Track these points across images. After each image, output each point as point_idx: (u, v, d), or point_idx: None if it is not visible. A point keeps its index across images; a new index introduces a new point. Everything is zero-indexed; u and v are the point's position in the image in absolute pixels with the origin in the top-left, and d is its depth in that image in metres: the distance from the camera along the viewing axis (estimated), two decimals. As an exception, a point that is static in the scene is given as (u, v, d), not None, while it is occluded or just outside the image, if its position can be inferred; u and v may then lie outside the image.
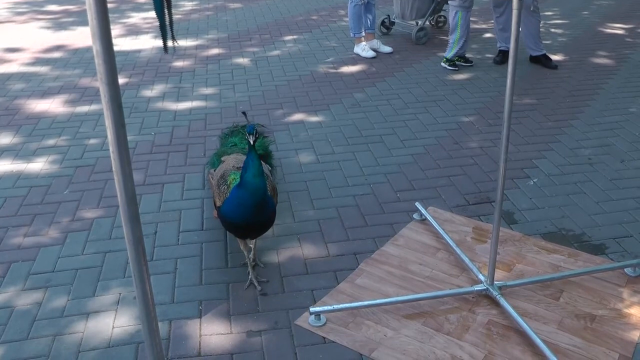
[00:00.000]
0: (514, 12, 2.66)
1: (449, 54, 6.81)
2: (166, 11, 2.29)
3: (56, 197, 4.28)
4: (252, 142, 3.08)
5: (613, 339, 3.01)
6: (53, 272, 3.52)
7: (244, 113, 3.72)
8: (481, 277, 3.30)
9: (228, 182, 3.28)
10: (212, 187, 3.50)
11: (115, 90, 1.50)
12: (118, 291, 3.36)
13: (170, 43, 2.47)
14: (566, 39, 8.07)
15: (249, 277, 3.41)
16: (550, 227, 3.94)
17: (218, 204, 3.31)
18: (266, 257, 3.63)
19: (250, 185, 3.06)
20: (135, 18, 9.30)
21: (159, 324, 3.09)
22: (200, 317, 3.18)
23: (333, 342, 3.00)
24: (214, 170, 3.68)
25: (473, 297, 3.27)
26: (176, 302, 3.29)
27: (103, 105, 1.51)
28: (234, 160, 3.52)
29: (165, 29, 2.30)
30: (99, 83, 1.48)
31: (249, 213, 3.12)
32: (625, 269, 3.48)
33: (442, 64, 6.90)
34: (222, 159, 3.71)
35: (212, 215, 3.95)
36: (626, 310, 3.20)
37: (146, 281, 1.78)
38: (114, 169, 1.59)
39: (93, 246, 3.75)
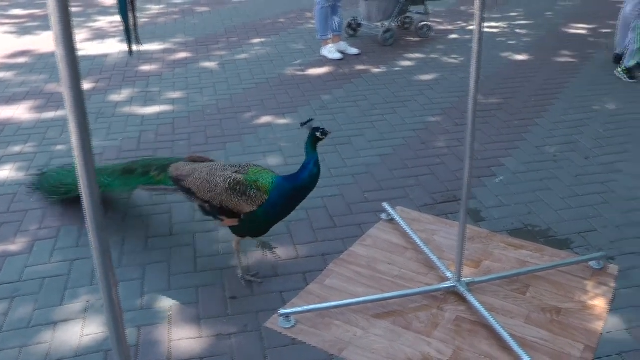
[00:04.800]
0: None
1: (630, 62, 6.60)
2: (131, 14, 2.30)
3: (22, 205, 4.23)
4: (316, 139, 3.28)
5: (578, 331, 3.06)
6: (19, 281, 3.48)
7: (306, 123, 3.38)
8: (449, 275, 3.34)
9: (259, 185, 3.21)
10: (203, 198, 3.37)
11: (79, 95, 1.49)
12: (86, 299, 3.33)
13: (135, 47, 2.47)
14: (531, 39, 8.16)
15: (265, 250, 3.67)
16: (516, 224, 3.99)
17: (250, 209, 3.22)
18: (235, 259, 3.62)
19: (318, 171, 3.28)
20: (102, 22, 9.23)
21: (128, 330, 3.08)
22: (169, 322, 3.17)
23: (303, 342, 3.01)
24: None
25: (441, 295, 3.30)
26: (145, 308, 3.27)
27: (67, 110, 1.50)
28: (217, 171, 3.36)
29: (129, 32, 2.30)
30: (63, 87, 1.47)
31: (314, 184, 3.29)
32: (590, 263, 3.54)
33: (620, 73, 6.70)
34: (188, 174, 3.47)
35: (218, 225, 3.72)
36: (591, 303, 3.25)
37: (113, 288, 1.77)
38: (79, 174, 1.58)
39: (60, 254, 3.71)
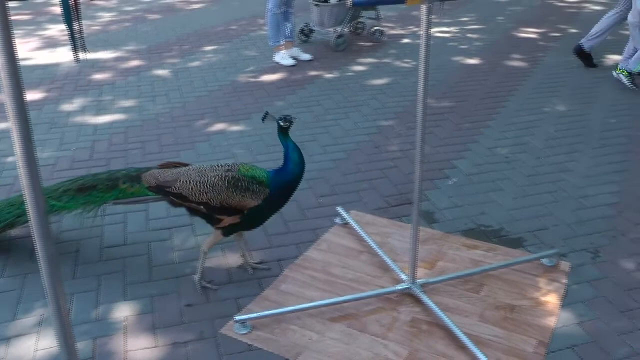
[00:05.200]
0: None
1: (636, 67, 6.49)
2: (75, 21, 2.27)
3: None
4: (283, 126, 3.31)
5: (531, 327, 3.10)
6: (-31, 297, 3.40)
7: (264, 117, 3.43)
8: (403, 277, 3.35)
9: (258, 180, 3.27)
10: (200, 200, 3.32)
11: (20, 104, 1.47)
12: (40, 312, 3.26)
13: (81, 54, 2.44)
14: (482, 44, 8.28)
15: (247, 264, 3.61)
16: (469, 224, 4.03)
17: (254, 203, 3.26)
18: (189, 267, 3.60)
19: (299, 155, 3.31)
20: (53, 30, 9.12)
21: (84, 342, 3.04)
22: (125, 332, 3.12)
23: (259, 348, 2.99)
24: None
25: (396, 297, 3.31)
26: (100, 319, 3.21)
27: (9, 120, 1.47)
28: (208, 172, 3.35)
29: (75, 39, 2.27)
30: (5, 97, 1.44)
31: (302, 170, 3.33)
32: (542, 260, 3.60)
33: (619, 74, 6.62)
34: (175, 177, 3.40)
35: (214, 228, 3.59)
36: (543, 299, 3.30)
37: (60, 299, 1.74)
38: (23, 185, 1.56)
39: (12, 269, 3.63)
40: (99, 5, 10.82)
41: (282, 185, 3.31)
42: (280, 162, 3.32)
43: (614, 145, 5.16)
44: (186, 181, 3.32)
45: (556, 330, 3.09)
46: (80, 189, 3.55)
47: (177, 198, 3.38)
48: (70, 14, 2.20)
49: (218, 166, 3.39)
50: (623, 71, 6.55)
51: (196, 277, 3.47)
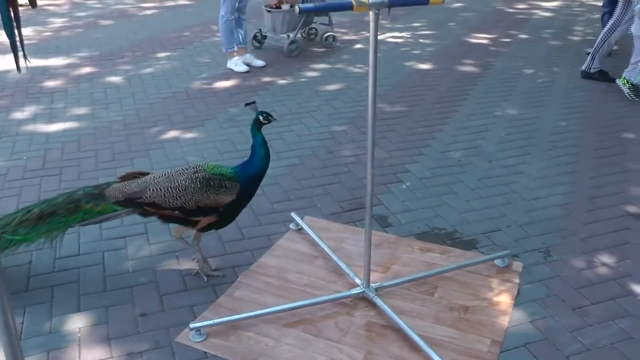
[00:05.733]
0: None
1: (637, 78, 6.41)
2: (16, 30, 2.23)
3: None
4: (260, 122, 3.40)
5: (485, 327, 3.14)
6: None
7: (249, 104, 3.46)
8: (358, 281, 3.36)
9: (227, 176, 3.35)
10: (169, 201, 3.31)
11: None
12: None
13: (22, 63, 2.40)
14: (434, 49, 8.36)
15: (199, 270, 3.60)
16: (423, 227, 4.06)
17: (229, 199, 3.34)
18: (144, 276, 3.56)
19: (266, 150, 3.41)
20: (1, 36, 8.95)
21: (37, 355, 3.00)
22: (79, 344, 3.07)
23: (215, 356, 2.97)
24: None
25: (351, 301, 3.32)
26: (54, 331, 3.16)
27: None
28: (176, 176, 3.35)
29: (16, 48, 2.23)
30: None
31: (268, 162, 3.44)
32: (495, 261, 3.65)
33: (622, 85, 6.55)
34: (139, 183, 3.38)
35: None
36: (496, 299, 3.35)
37: (8, 312, 1.71)
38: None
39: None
40: (50, 11, 10.67)
41: (250, 177, 3.40)
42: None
43: (563, 148, 5.25)
44: (156, 189, 3.30)
45: (509, 329, 3.14)
46: (40, 217, 3.38)
47: (150, 207, 3.35)
48: (11, 24, 2.16)
49: (184, 169, 3.40)
50: (627, 82, 6.48)
51: (199, 267, 3.55)
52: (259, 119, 3.39)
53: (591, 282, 3.52)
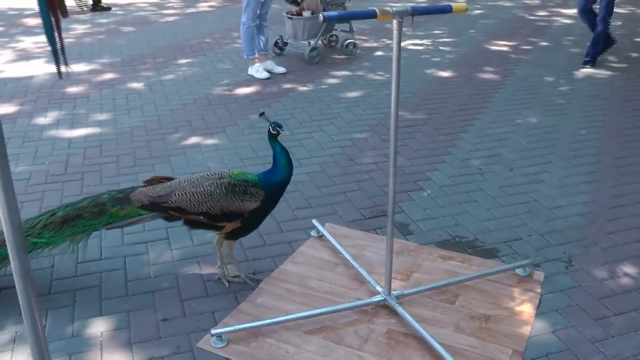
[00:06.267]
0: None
1: None
2: (57, 35, 2.26)
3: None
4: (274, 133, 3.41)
5: (507, 336, 3.13)
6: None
7: (261, 115, 3.55)
8: (379, 289, 3.37)
9: (252, 183, 3.37)
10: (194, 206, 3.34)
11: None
12: (14, 330, 3.21)
13: (63, 68, 2.44)
14: (455, 56, 8.36)
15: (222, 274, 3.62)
16: (444, 236, 4.06)
17: (254, 205, 3.36)
18: (165, 281, 3.58)
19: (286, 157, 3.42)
20: (26, 42, 9.06)
21: (59, 359, 3.01)
22: (101, 348, 3.10)
23: (236, 362, 2.99)
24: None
25: (372, 309, 3.33)
26: (76, 335, 3.18)
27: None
28: (201, 181, 3.38)
29: (57, 54, 2.27)
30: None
31: (291, 171, 3.45)
32: (516, 270, 3.63)
33: None
34: (170, 190, 3.39)
35: (216, 242, 3.60)
36: (518, 309, 3.33)
37: (36, 314, 1.73)
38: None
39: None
40: (72, 18, 10.76)
41: (274, 185, 3.41)
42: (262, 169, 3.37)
43: (584, 156, 5.23)
44: (182, 194, 3.33)
45: (531, 339, 3.12)
46: (65, 221, 3.39)
47: (175, 212, 3.38)
48: (52, 30, 2.19)
49: (209, 175, 3.43)
50: None
51: (240, 275, 3.59)
52: (269, 130, 3.42)
53: (613, 293, 3.50)
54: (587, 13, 7.70)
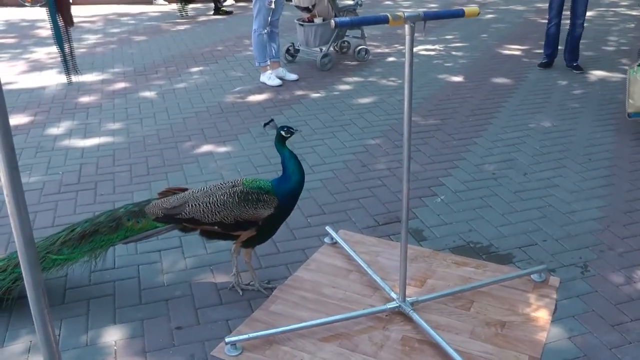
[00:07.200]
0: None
1: None
2: (67, 44, 2.28)
3: (-43, 243, 4.11)
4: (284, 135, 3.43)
5: (523, 342, 3.10)
6: (-45, 325, 3.36)
7: (268, 123, 3.51)
8: (393, 295, 3.35)
9: (265, 190, 3.36)
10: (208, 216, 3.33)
11: (5, 130, 1.47)
12: (29, 339, 3.22)
13: (73, 76, 2.45)
14: (467, 61, 8.34)
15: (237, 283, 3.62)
16: (458, 241, 4.04)
17: (268, 212, 3.34)
18: (179, 289, 3.58)
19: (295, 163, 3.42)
20: (39, 53, 9.11)
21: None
22: (115, 356, 3.10)
23: (250, 370, 2.98)
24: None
25: (387, 315, 3.31)
26: (90, 344, 3.19)
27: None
28: (214, 191, 3.38)
29: (67, 62, 2.29)
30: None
31: (302, 176, 3.43)
32: (531, 276, 3.60)
33: None
34: (182, 202, 3.39)
35: (234, 248, 3.58)
36: (534, 315, 3.31)
37: (48, 324, 1.73)
38: (9, 211, 1.56)
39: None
40: (85, 28, 10.84)
41: (287, 191, 3.40)
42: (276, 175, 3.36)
43: (599, 160, 5.20)
44: (195, 204, 3.33)
45: (547, 346, 3.10)
46: (83, 237, 3.40)
47: (189, 223, 3.38)
48: (62, 38, 2.21)
49: (222, 184, 3.42)
50: None
51: (255, 284, 3.58)
52: (281, 134, 3.41)
53: (630, 298, 3.47)
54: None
